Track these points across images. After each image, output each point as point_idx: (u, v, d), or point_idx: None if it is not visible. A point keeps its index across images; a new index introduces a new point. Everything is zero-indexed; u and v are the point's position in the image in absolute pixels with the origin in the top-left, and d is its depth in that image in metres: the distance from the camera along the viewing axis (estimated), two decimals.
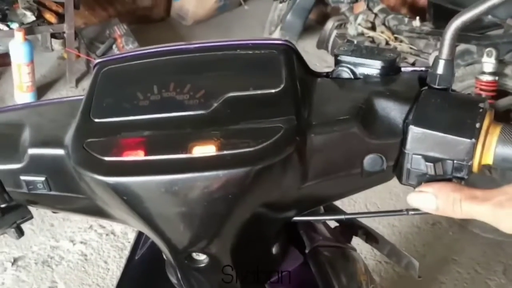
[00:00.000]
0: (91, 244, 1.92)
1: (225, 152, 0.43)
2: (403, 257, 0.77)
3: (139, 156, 0.44)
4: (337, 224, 0.80)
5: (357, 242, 0.79)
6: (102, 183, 0.44)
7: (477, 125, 0.43)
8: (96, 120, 0.48)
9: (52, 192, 0.51)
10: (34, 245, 1.88)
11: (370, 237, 0.79)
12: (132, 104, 0.48)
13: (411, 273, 0.76)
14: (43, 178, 0.50)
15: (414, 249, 2.03)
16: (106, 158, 0.44)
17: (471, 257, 2.02)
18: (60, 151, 0.48)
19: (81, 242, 1.92)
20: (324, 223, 0.71)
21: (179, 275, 0.53)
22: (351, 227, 0.80)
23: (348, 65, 0.51)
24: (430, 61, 2.22)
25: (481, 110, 0.44)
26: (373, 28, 2.52)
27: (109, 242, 1.93)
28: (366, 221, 0.80)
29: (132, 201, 0.44)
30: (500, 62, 1.97)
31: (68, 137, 0.48)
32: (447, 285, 1.90)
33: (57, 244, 1.91)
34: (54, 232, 1.94)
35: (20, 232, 0.56)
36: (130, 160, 0.44)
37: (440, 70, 0.47)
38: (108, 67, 0.52)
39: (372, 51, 0.51)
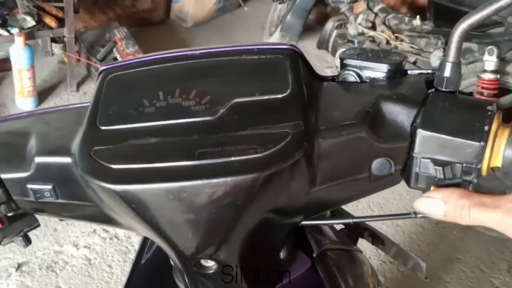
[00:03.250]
0: (95, 249, 1.91)
1: (232, 158, 0.43)
2: (410, 258, 0.77)
3: (146, 163, 0.44)
4: (342, 226, 0.80)
5: (361, 242, 0.79)
6: (110, 191, 0.44)
7: (486, 128, 0.43)
8: (103, 127, 0.47)
9: (59, 200, 0.51)
10: (38, 250, 1.88)
11: (376, 238, 0.79)
12: (138, 111, 0.48)
13: (418, 274, 0.76)
14: (50, 187, 0.50)
15: (418, 249, 2.02)
16: (114, 166, 0.44)
17: (476, 256, 2.01)
18: (67, 159, 0.48)
19: (85, 247, 1.92)
20: (330, 225, 0.71)
21: (187, 281, 0.53)
22: (357, 229, 0.80)
23: (354, 69, 0.51)
24: (432, 60, 2.22)
25: (489, 113, 0.44)
26: (373, 27, 2.51)
27: (113, 246, 1.93)
28: (371, 222, 0.80)
29: (140, 209, 0.44)
30: (502, 60, 1.96)
31: (75, 145, 0.47)
32: (452, 284, 1.89)
33: (61, 249, 1.90)
34: (58, 237, 1.94)
35: (27, 240, 0.56)
36: (138, 167, 0.44)
37: (447, 73, 0.47)
38: (113, 74, 0.52)
39: (378, 55, 0.51)
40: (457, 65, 0.46)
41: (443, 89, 0.47)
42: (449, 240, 2.08)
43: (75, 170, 0.47)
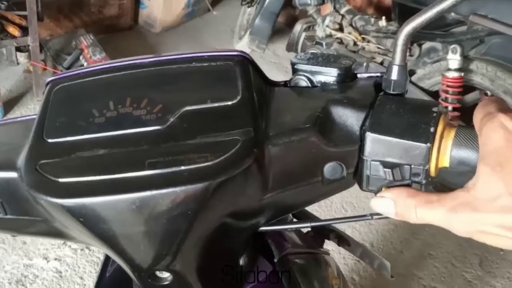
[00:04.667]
0: (66, 261, 1.88)
1: (182, 167, 0.42)
2: (375, 258, 0.77)
3: (94, 175, 0.43)
4: (309, 229, 0.80)
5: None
6: (57, 205, 0.43)
7: (432, 129, 0.43)
8: (50, 140, 0.46)
9: (8, 216, 0.49)
10: (7, 265, 1.83)
11: (342, 240, 0.79)
12: (87, 122, 0.47)
13: (384, 273, 0.77)
14: None
15: (391, 246, 2.05)
16: (60, 180, 0.43)
17: (448, 251, 2.04)
18: (13, 174, 0.46)
19: (56, 259, 1.88)
20: (294, 229, 0.71)
21: None
22: (322, 231, 0.80)
23: (305, 74, 0.51)
24: None
25: (434, 114, 0.44)
26: (341, 29, 2.54)
27: (84, 257, 1.89)
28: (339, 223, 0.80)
29: (89, 223, 0.43)
30: (465, 58, 2.00)
31: (21, 159, 0.46)
32: (425, 280, 1.92)
33: (31, 262, 1.86)
34: (27, 250, 1.90)
35: None
36: (85, 180, 0.43)
37: (394, 76, 0.47)
38: (61, 85, 0.51)
39: (328, 59, 0.51)
40: (403, 68, 0.47)
41: (391, 92, 0.48)
42: (421, 236, 2.11)
43: (21, 185, 0.45)
